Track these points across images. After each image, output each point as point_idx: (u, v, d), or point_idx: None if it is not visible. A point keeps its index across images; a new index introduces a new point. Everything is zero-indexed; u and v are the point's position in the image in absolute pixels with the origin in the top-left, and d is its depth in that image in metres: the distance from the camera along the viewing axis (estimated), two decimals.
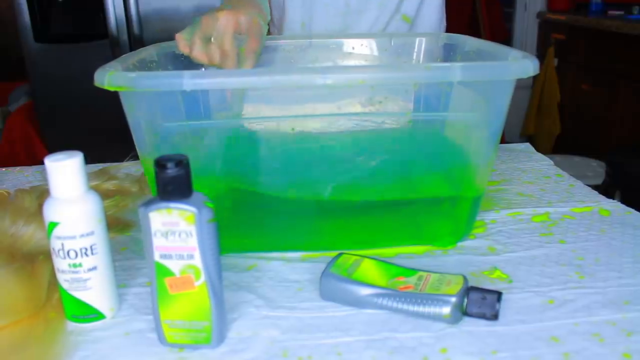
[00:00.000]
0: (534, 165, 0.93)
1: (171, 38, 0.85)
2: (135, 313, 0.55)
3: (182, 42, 0.70)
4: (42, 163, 0.52)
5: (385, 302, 0.53)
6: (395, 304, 0.53)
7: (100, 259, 0.52)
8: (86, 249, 0.51)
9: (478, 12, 3.18)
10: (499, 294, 0.52)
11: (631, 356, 0.47)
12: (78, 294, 0.52)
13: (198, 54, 0.68)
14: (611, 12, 2.75)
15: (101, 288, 0.53)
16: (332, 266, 0.56)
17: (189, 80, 0.53)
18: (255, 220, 0.67)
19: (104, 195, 0.80)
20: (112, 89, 0.55)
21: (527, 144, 1.04)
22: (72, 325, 0.53)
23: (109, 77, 0.55)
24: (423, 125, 0.67)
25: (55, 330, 0.52)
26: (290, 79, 0.54)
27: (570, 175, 0.88)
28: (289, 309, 0.55)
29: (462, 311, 0.52)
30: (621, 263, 0.61)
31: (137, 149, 0.63)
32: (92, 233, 0.51)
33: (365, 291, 0.54)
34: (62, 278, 0.52)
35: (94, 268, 0.52)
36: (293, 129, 0.63)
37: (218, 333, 0.49)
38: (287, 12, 0.99)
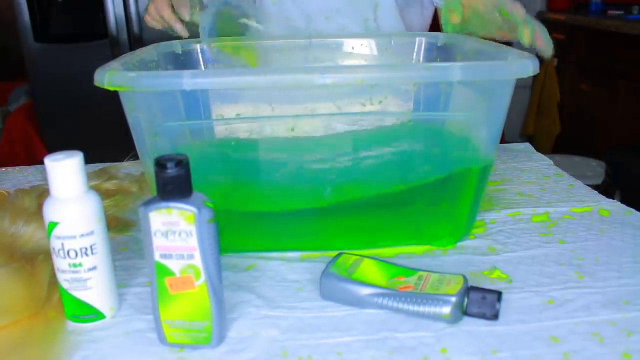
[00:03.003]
0: (533, 165, 0.93)
1: (171, 38, 0.85)
2: (135, 313, 0.55)
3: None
4: (42, 163, 0.52)
5: (385, 302, 0.53)
6: (395, 304, 0.53)
7: (100, 259, 0.52)
8: (86, 249, 0.51)
9: None
10: (499, 294, 0.52)
11: (631, 356, 0.47)
12: (78, 294, 0.52)
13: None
14: (611, 12, 2.75)
15: (101, 288, 0.53)
16: (332, 266, 0.56)
17: (188, 80, 0.53)
18: (255, 220, 0.67)
19: (104, 195, 0.80)
20: (112, 88, 0.55)
21: (527, 144, 1.04)
22: (72, 325, 0.53)
23: (109, 77, 0.55)
24: (423, 125, 0.67)
25: (56, 330, 0.52)
26: (290, 79, 0.54)
27: (570, 175, 0.88)
28: (289, 309, 0.55)
29: (463, 311, 0.52)
30: (621, 263, 0.61)
31: (137, 149, 0.63)
32: (92, 233, 0.51)
33: (365, 291, 0.54)
34: (62, 278, 0.52)
35: (94, 268, 0.52)
36: (293, 129, 0.63)
37: (218, 333, 0.49)
38: None
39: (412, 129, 0.66)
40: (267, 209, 0.66)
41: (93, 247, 0.51)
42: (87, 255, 0.51)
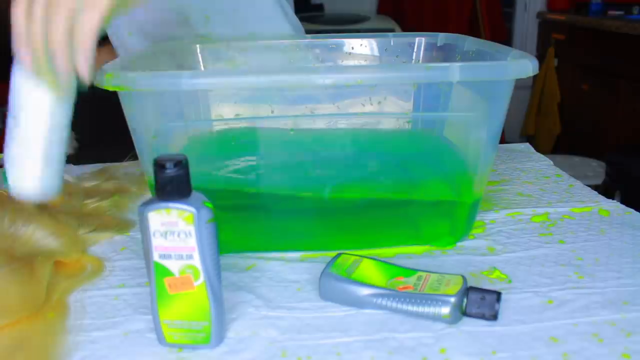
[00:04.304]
0: (533, 165, 0.93)
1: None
2: (134, 313, 0.55)
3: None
4: None
5: (384, 302, 0.53)
6: (394, 304, 0.53)
7: None
8: None
9: (478, 12, 3.19)
10: (498, 294, 0.52)
11: (630, 356, 0.47)
12: None
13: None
14: (611, 12, 2.75)
15: None
16: (331, 266, 0.56)
17: (188, 80, 0.53)
18: (254, 220, 0.67)
19: (104, 195, 0.80)
20: (111, 88, 0.55)
21: (527, 144, 1.04)
22: (70, 325, 0.53)
23: (108, 77, 0.55)
24: (422, 126, 0.67)
25: (54, 331, 0.52)
26: (290, 79, 0.54)
27: (570, 175, 0.88)
28: (288, 309, 0.55)
29: (462, 311, 0.52)
30: (620, 263, 0.61)
31: (137, 149, 0.63)
32: None
33: (364, 291, 0.54)
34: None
35: None
36: (292, 129, 0.63)
37: (217, 333, 0.49)
38: None
39: (411, 130, 0.66)
40: (266, 208, 0.66)
41: None
42: None
